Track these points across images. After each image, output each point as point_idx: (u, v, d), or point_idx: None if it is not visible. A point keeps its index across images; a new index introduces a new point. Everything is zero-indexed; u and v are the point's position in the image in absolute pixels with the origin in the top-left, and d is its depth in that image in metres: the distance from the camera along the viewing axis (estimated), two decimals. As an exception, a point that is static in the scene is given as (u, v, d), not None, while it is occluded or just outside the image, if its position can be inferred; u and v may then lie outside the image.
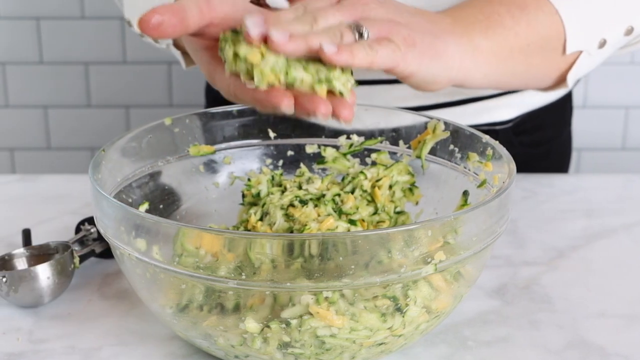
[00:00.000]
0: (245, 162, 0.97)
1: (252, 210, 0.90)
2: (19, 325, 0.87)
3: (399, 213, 0.92)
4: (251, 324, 0.74)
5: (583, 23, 0.97)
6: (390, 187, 0.91)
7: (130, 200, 0.89)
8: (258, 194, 0.92)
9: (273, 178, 0.93)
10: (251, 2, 0.83)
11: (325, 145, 0.96)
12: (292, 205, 0.87)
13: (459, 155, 0.90)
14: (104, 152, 0.85)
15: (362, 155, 0.95)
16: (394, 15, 0.83)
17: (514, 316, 0.89)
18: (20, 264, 0.92)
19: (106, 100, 2.07)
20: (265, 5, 0.84)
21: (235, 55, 0.77)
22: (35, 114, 2.08)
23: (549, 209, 1.10)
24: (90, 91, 2.07)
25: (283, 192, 0.90)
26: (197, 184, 0.95)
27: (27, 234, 0.97)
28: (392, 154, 0.95)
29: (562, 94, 1.25)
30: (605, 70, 1.99)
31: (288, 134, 0.97)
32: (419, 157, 0.92)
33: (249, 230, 0.88)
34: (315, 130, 0.97)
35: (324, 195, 0.89)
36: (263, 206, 0.89)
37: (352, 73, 0.79)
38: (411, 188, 0.92)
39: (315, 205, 0.87)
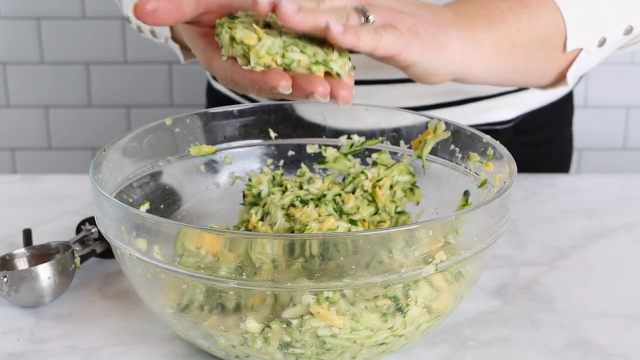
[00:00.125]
0: (246, 162, 0.97)
1: (252, 210, 0.90)
2: (19, 325, 0.87)
3: (399, 213, 0.92)
4: (252, 324, 0.74)
5: (583, 21, 0.97)
6: (391, 187, 0.91)
7: (131, 200, 0.89)
8: (259, 194, 0.92)
9: (274, 178, 0.93)
10: None
11: (326, 145, 0.96)
12: (293, 205, 0.87)
13: (459, 155, 0.90)
14: (104, 152, 0.86)
15: (363, 155, 0.95)
16: (399, 5, 0.84)
17: (514, 316, 0.89)
18: (21, 264, 0.92)
19: (107, 100, 2.08)
20: None
21: (232, 39, 0.77)
22: (36, 114, 2.09)
23: (550, 209, 1.10)
24: (91, 91, 2.07)
25: (284, 192, 0.90)
26: (198, 184, 0.95)
27: (28, 234, 0.97)
28: (393, 154, 0.95)
29: (562, 93, 1.25)
30: (605, 70, 1.99)
31: (289, 134, 0.97)
32: (419, 157, 0.92)
33: (250, 231, 0.88)
34: (316, 130, 0.97)
35: (324, 195, 0.89)
36: (264, 206, 0.89)
37: (349, 58, 0.79)
38: (412, 188, 0.92)
39: (316, 205, 0.87)
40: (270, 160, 0.97)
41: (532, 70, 0.99)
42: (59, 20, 2.01)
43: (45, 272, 0.88)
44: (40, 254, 0.93)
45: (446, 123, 0.90)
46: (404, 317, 0.75)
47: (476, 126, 1.13)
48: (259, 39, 0.76)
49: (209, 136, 0.95)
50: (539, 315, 0.89)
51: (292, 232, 0.85)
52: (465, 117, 1.16)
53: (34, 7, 2.00)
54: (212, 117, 0.95)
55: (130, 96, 2.07)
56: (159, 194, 0.92)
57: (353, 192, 0.90)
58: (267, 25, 0.80)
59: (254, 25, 0.77)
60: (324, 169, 0.96)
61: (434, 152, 0.92)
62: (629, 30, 1.00)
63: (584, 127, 1.99)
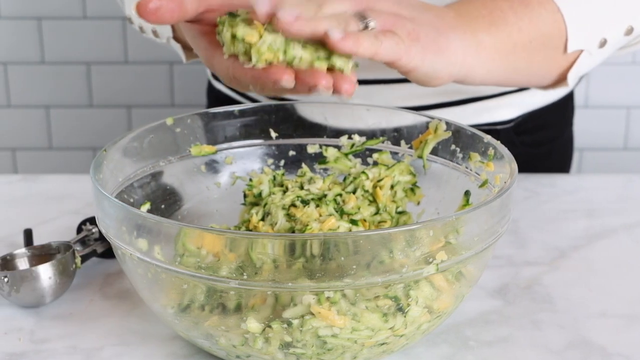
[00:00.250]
0: (246, 162, 0.97)
1: (253, 210, 0.90)
2: (20, 325, 0.87)
3: (400, 213, 0.92)
4: (253, 324, 0.74)
5: (584, 22, 0.97)
6: (392, 187, 0.91)
7: (131, 200, 0.89)
8: (260, 194, 0.92)
9: (275, 178, 0.93)
10: None
11: (327, 145, 0.96)
12: (293, 205, 0.87)
13: (460, 155, 0.90)
14: (105, 152, 0.86)
15: (364, 155, 0.95)
16: (399, 9, 0.83)
17: (515, 316, 0.89)
18: (22, 264, 0.92)
19: (108, 100, 2.08)
20: None
21: (233, 37, 0.77)
22: (37, 114, 2.09)
23: (551, 209, 1.10)
24: (92, 91, 2.07)
25: (285, 192, 0.90)
26: (198, 184, 0.95)
27: (28, 234, 0.97)
28: (394, 154, 0.95)
29: (563, 93, 1.25)
30: (606, 70, 1.99)
31: (290, 133, 0.97)
32: (420, 157, 0.92)
33: (251, 231, 0.88)
34: (317, 130, 0.97)
35: (325, 196, 0.89)
36: (264, 206, 0.89)
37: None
38: (413, 188, 0.92)
39: (317, 206, 0.87)
40: (271, 160, 0.97)
41: (533, 71, 0.99)
42: (60, 20, 2.01)
43: (46, 272, 0.88)
44: (41, 254, 0.93)
45: (447, 123, 0.90)
46: (405, 317, 0.75)
47: (477, 126, 1.13)
48: (260, 36, 0.76)
49: (210, 136, 0.95)
50: (539, 315, 0.89)
51: (293, 232, 0.85)
52: (466, 117, 1.16)
53: (35, 7, 2.00)
54: (212, 117, 0.95)
55: (131, 96, 2.07)
56: (160, 194, 0.92)
57: (354, 192, 0.90)
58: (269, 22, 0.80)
59: (255, 22, 0.77)
60: (325, 169, 0.96)
61: (434, 152, 0.92)
62: (629, 31, 1.00)
63: (584, 127, 1.99)
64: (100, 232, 0.96)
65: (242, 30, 0.77)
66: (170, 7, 0.77)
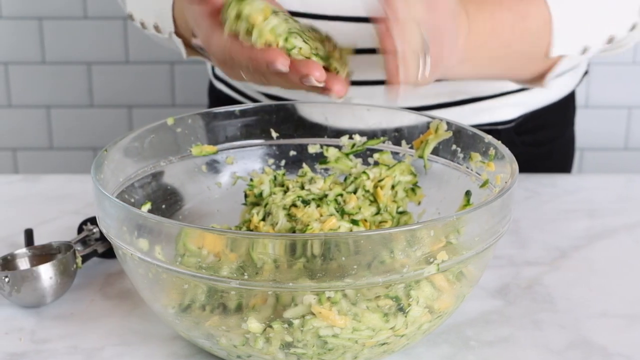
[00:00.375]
0: (247, 162, 0.97)
1: (254, 210, 0.90)
2: (21, 325, 0.87)
3: (401, 213, 0.92)
4: (253, 324, 0.74)
5: (570, 32, 1.00)
6: (393, 187, 0.91)
7: (132, 200, 0.89)
8: (260, 194, 0.92)
9: (275, 178, 0.93)
10: None
11: (328, 145, 0.96)
12: (294, 205, 0.87)
13: (461, 155, 0.90)
14: (106, 152, 0.86)
15: (365, 155, 0.95)
16: (430, 18, 0.84)
17: (516, 316, 0.89)
18: (23, 264, 0.92)
19: (109, 100, 2.08)
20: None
21: (238, 16, 0.78)
22: (37, 113, 2.09)
23: (551, 209, 1.10)
24: (92, 91, 2.07)
25: (285, 192, 0.90)
26: (199, 184, 0.95)
27: (29, 234, 0.97)
28: (395, 154, 0.95)
29: (564, 93, 1.25)
30: (607, 70, 1.99)
31: (290, 134, 0.97)
32: (421, 157, 0.92)
33: (252, 231, 0.88)
34: (318, 130, 0.97)
35: (326, 196, 0.89)
36: (265, 206, 0.89)
37: (348, 63, 0.80)
38: (413, 188, 0.92)
39: (318, 206, 0.87)
40: (271, 160, 0.97)
41: (512, 72, 1.04)
42: (60, 20, 2.01)
43: (46, 272, 0.88)
44: (42, 254, 0.93)
45: (448, 123, 0.90)
46: (406, 317, 0.75)
47: (478, 126, 1.13)
48: (266, 18, 0.77)
49: (211, 136, 0.95)
50: (540, 315, 0.89)
51: (294, 232, 0.85)
52: (467, 117, 1.16)
53: (35, 7, 2.00)
54: (213, 117, 0.95)
55: (131, 96, 2.07)
56: (161, 194, 0.92)
57: (355, 192, 0.90)
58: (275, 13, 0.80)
59: (265, 4, 0.78)
60: (326, 169, 0.96)
61: (435, 152, 0.92)
62: (611, 40, 1.04)
63: (585, 127, 1.99)
64: (101, 232, 0.96)
65: (249, 8, 0.78)
66: None
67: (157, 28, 1.09)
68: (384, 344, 0.77)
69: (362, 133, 0.96)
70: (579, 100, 1.99)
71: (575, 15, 1.01)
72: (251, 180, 0.93)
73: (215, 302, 0.75)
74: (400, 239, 0.71)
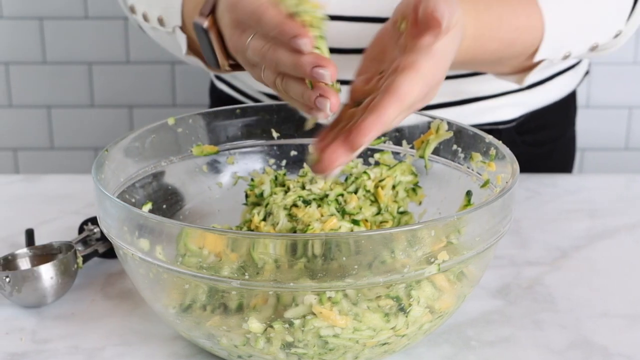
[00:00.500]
0: (248, 162, 0.97)
1: (255, 210, 0.90)
2: (22, 325, 0.87)
3: (402, 213, 0.92)
4: (254, 324, 0.74)
5: (557, 38, 1.02)
6: (394, 187, 0.91)
7: (133, 200, 0.89)
8: (261, 194, 0.92)
9: (276, 178, 0.93)
10: None
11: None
12: (295, 205, 0.87)
13: (462, 155, 0.90)
14: (107, 152, 0.86)
15: (366, 155, 0.95)
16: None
17: (517, 316, 0.89)
18: (24, 264, 0.92)
19: (109, 100, 2.08)
20: None
21: None
22: (38, 113, 2.09)
23: (552, 209, 1.10)
24: (93, 91, 2.07)
25: (286, 192, 0.90)
26: (200, 184, 0.95)
27: (30, 234, 0.97)
28: (396, 154, 0.95)
29: (565, 93, 1.25)
30: (608, 70, 1.99)
31: (291, 134, 0.97)
32: (422, 157, 0.92)
33: (252, 231, 0.88)
34: (319, 131, 0.97)
35: (327, 196, 0.89)
36: (266, 206, 0.89)
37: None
38: (414, 188, 0.92)
39: (319, 206, 0.87)
40: (272, 160, 0.97)
41: (493, 69, 1.06)
42: (61, 20, 2.01)
43: (47, 272, 0.88)
44: (43, 254, 0.93)
45: (448, 123, 0.90)
46: (407, 317, 0.75)
47: (478, 126, 1.13)
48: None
49: (212, 136, 0.95)
50: (541, 315, 0.89)
51: (295, 232, 0.85)
52: (468, 116, 1.16)
53: (36, 7, 2.00)
54: (214, 117, 0.95)
55: (132, 96, 2.07)
56: (162, 194, 0.92)
57: (355, 192, 0.90)
58: None
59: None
60: (327, 169, 0.95)
61: (436, 152, 0.92)
62: (594, 47, 1.06)
63: (586, 127, 1.99)
64: (101, 232, 0.96)
65: None
66: None
67: (160, 21, 1.07)
68: (384, 344, 0.77)
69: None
70: (580, 100, 1.99)
71: (564, 22, 1.02)
72: (252, 180, 0.93)
73: (216, 302, 0.75)
74: (401, 239, 0.71)
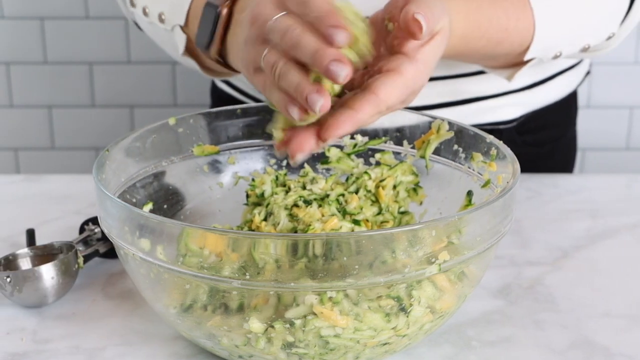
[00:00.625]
0: (249, 162, 0.97)
1: (256, 210, 0.90)
2: (23, 325, 0.87)
3: (403, 213, 0.92)
4: (255, 324, 0.74)
5: (548, 38, 1.03)
6: (394, 187, 0.91)
7: (134, 200, 0.89)
8: (262, 194, 0.92)
9: (277, 178, 0.93)
10: None
11: (329, 145, 0.96)
12: (296, 205, 0.87)
13: (463, 155, 0.90)
14: (108, 152, 0.86)
15: (366, 155, 0.95)
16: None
17: (518, 316, 0.89)
18: (25, 264, 0.92)
19: (110, 100, 2.08)
20: None
21: None
22: (39, 114, 2.09)
23: (553, 209, 1.10)
24: (94, 91, 2.07)
25: (287, 192, 0.90)
26: (201, 184, 0.95)
27: (31, 234, 0.97)
28: (396, 154, 0.94)
29: (566, 93, 1.25)
30: (609, 70, 1.99)
31: (292, 134, 0.97)
32: (423, 157, 0.92)
33: (253, 230, 0.88)
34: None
35: (328, 196, 0.89)
36: (267, 206, 0.89)
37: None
38: (415, 188, 0.92)
39: (319, 206, 0.87)
40: (273, 160, 0.97)
41: (481, 63, 1.07)
42: (62, 20, 2.01)
43: (48, 272, 0.88)
44: (44, 254, 0.93)
45: (449, 123, 0.90)
46: (407, 317, 0.75)
47: (479, 126, 1.13)
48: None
49: (213, 136, 0.95)
50: (542, 315, 0.89)
51: (296, 232, 0.85)
52: (469, 116, 1.16)
53: (37, 7, 2.00)
54: (215, 117, 0.95)
55: (133, 96, 2.07)
56: (162, 194, 0.92)
57: (356, 192, 0.90)
58: None
59: None
60: (327, 169, 0.96)
61: (437, 152, 0.92)
62: (585, 49, 1.07)
63: (587, 127, 1.99)
64: (102, 232, 0.96)
65: None
66: None
67: (161, 18, 1.06)
68: (385, 344, 0.77)
69: (363, 133, 0.95)
70: (581, 100, 1.99)
71: (556, 24, 1.03)
72: (253, 180, 0.93)
73: (216, 302, 0.75)
74: (401, 239, 0.71)
